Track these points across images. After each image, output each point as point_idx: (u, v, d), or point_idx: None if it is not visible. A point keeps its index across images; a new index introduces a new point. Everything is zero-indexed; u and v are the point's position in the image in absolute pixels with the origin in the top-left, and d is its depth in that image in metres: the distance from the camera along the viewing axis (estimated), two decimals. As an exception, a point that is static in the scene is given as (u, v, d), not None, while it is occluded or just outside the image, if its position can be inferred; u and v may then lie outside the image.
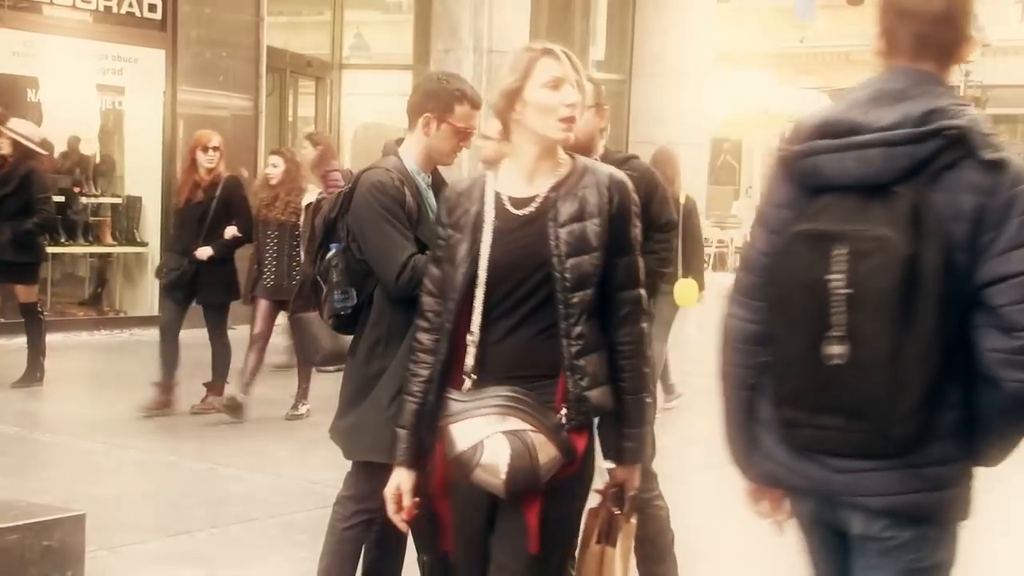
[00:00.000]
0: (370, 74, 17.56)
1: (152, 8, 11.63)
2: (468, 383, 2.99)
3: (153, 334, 11.24)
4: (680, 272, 8.08)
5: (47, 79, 11.24)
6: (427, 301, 3.14)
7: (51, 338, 10.78)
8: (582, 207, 2.98)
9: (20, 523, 3.46)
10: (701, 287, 8.31)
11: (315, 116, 15.55)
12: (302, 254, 7.68)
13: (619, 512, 3.15)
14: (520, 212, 3.02)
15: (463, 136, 3.92)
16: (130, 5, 11.50)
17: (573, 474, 2.99)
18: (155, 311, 11.61)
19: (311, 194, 8.01)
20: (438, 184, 4.02)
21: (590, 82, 4.17)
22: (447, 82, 3.94)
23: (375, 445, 3.79)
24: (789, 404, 2.45)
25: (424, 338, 3.12)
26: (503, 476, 2.89)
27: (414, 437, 3.12)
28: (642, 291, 3.07)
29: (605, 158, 4.17)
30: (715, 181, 25.88)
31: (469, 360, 2.98)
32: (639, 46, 16.49)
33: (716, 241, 22.37)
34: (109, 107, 12.01)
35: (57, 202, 11.63)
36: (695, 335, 8.68)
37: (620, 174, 3.09)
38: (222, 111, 12.19)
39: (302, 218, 8.00)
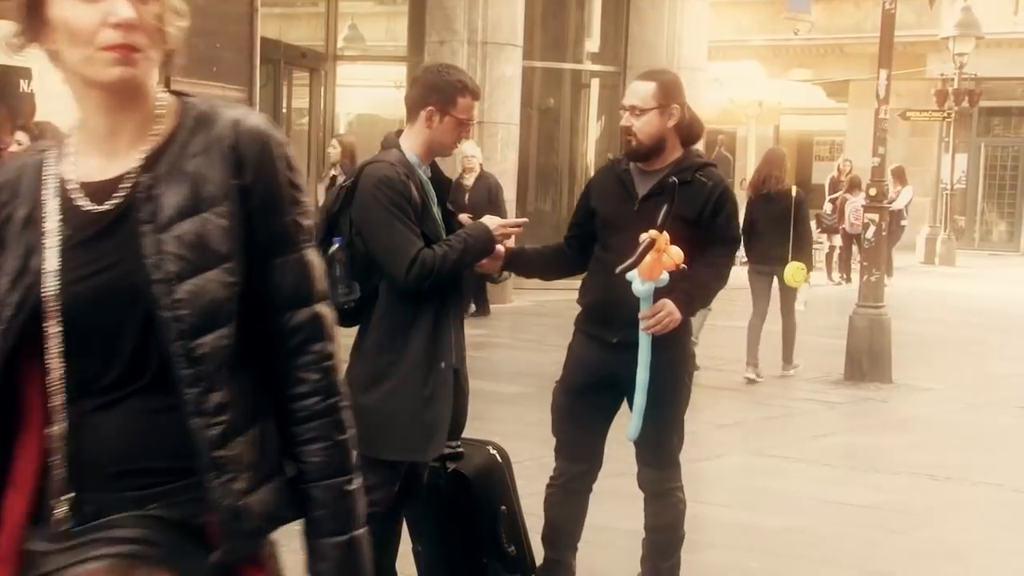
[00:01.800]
0: (364, 65, 17.54)
1: (145, -1, 11.62)
2: (60, 512, 1.80)
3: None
4: (791, 255, 9.35)
5: (40, 69, 11.20)
6: None
7: (44, 329, 10.78)
8: (196, 189, 1.82)
9: (13, 514, 3.45)
10: (809, 269, 9.45)
11: (309, 107, 15.53)
12: None
13: None
14: (100, 208, 1.83)
15: (464, 127, 3.93)
16: (123, -4, 11.47)
17: None
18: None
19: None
20: (437, 177, 4.03)
21: (657, 82, 4.17)
22: (448, 73, 3.93)
23: (407, 444, 3.82)
24: None
25: None
26: None
27: None
28: (322, 307, 1.93)
29: (684, 159, 4.17)
30: (709, 173, 25.88)
31: (56, 471, 1.80)
32: (633, 38, 16.47)
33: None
34: (102, 98, 12.00)
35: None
36: (801, 310, 9.70)
37: (255, 120, 1.91)
38: (216, 102, 12.17)
39: None
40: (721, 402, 9.25)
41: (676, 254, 3.89)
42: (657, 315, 3.96)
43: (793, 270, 9.40)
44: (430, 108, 3.85)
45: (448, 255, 3.81)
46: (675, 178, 4.09)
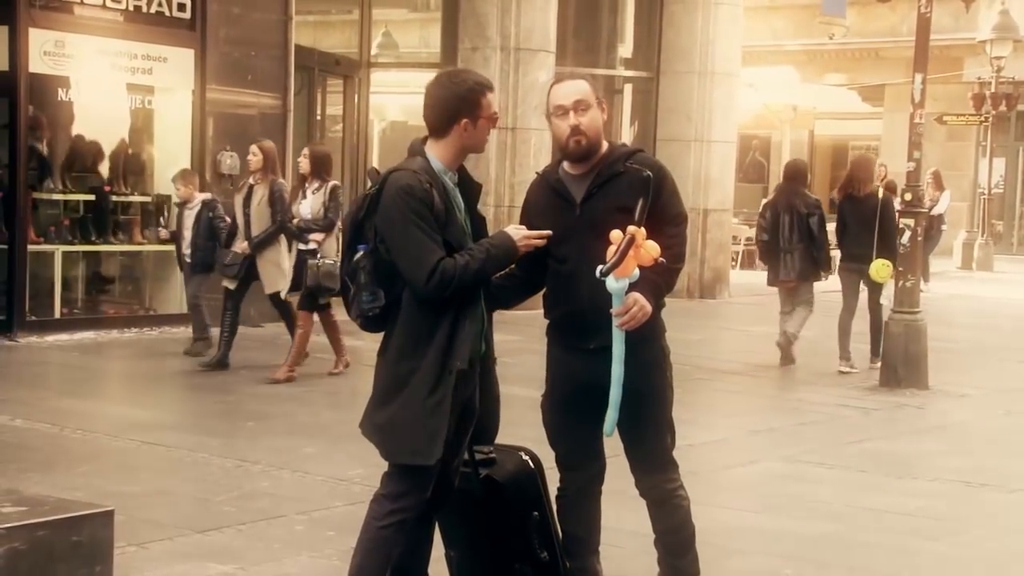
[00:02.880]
0: (398, 72, 17.59)
1: (181, 7, 11.69)
2: None
3: (184, 332, 11.33)
4: (875, 254, 10.20)
5: (78, 79, 11.32)
6: None
7: (82, 336, 10.91)
8: None
9: (50, 519, 3.49)
10: (894, 265, 10.16)
11: (343, 114, 15.60)
12: None
13: None
14: None
15: (494, 121, 3.95)
16: (159, 4, 11.56)
17: None
18: (184, 309, 11.71)
19: None
20: (466, 181, 4.04)
21: (581, 79, 4.20)
22: (460, 83, 3.93)
23: (413, 448, 3.84)
24: None
25: None
26: None
27: None
28: None
29: (611, 152, 4.16)
30: (743, 178, 25.76)
31: None
32: (666, 43, 16.45)
33: (744, 239, 22.24)
34: (139, 106, 12.09)
35: (87, 201, 11.79)
36: (885, 304, 10.43)
37: None
38: (250, 109, 12.25)
39: None
40: (755, 408, 9.22)
41: (652, 248, 3.86)
42: (630, 311, 3.92)
43: (878, 267, 10.15)
44: (464, 121, 3.87)
45: (469, 265, 3.81)
46: (648, 172, 4.04)
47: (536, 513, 4.25)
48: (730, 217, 17.81)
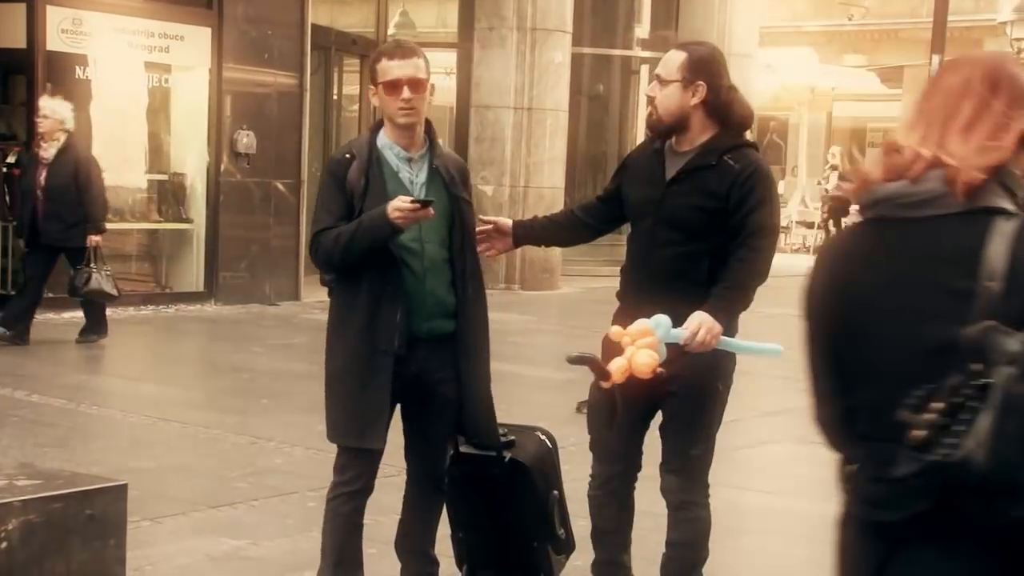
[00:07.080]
0: (414, 52, 17.57)
1: (199, -14, 11.72)
2: None
3: (200, 310, 11.37)
4: None
5: (95, 56, 11.34)
6: None
7: (98, 313, 10.94)
8: None
9: (64, 492, 3.51)
10: None
11: (359, 94, 15.60)
12: None
13: None
14: None
15: (393, 88, 3.80)
16: (177, -17, 11.58)
17: None
18: (200, 287, 11.73)
19: None
20: (440, 160, 3.93)
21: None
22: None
23: (337, 426, 4.01)
24: None
25: None
26: None
27: None
28: None
29: (714, 140, 3.86)
30: (761, 160, 25.67)
31: None
32: (684, 24, 16.38)
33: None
34: (156, 84, 12.10)
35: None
36: None
37: None
38: (267, 88, 12.25)
39: None
40: (769, 389, 9.20)
41: (643, 364, 3.50)
42: (696, 336, 3.61)
43: None
44: (369, 88, 3.94)
45: (340, 237, 3.75)
46: (738, 166, 3.78)
47: (556, 492, 4.26)
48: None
